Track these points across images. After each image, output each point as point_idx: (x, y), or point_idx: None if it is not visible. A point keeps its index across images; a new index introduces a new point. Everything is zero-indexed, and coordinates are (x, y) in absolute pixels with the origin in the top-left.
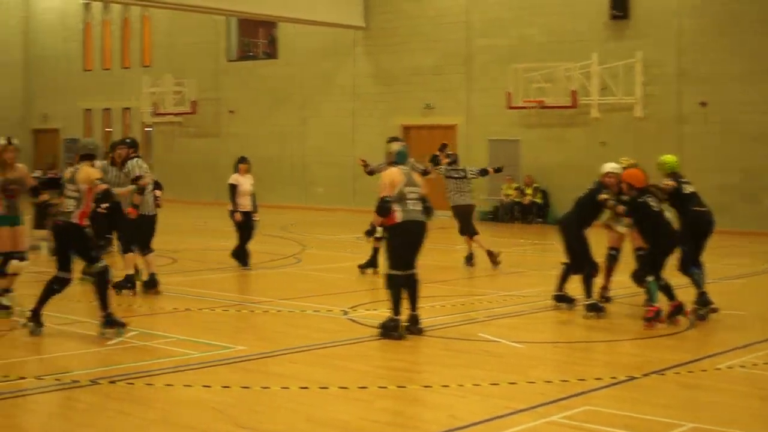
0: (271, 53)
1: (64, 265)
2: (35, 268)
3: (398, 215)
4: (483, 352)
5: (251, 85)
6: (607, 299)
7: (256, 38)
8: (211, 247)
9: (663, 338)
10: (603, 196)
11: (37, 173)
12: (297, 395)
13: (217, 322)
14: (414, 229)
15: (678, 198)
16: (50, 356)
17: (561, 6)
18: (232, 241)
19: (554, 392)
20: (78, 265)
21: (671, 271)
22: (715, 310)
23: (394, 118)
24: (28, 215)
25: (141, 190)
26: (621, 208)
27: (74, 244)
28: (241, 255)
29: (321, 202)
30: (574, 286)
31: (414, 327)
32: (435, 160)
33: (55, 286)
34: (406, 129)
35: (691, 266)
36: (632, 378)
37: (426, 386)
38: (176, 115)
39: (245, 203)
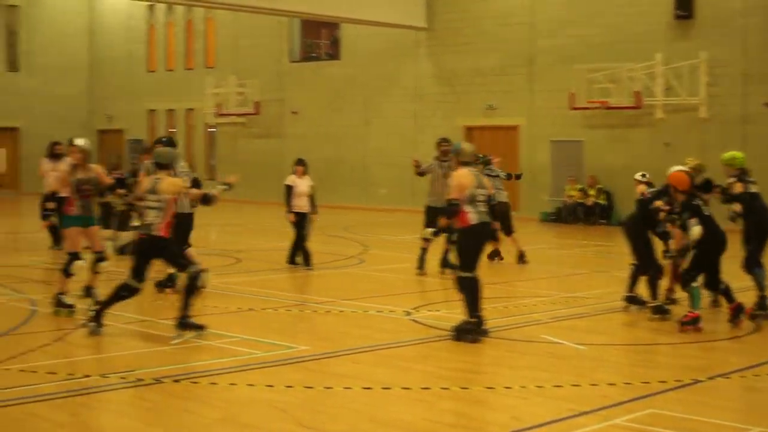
0: (334, 54)
1: (138, 274)
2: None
3: (473, 217)
4: (546, 354)
5: (314, 86)
6: (673, 301)
7: (319, 39)
8: (275, 247)
9: (727, 341)
10: (656, 204)
11: None
12: (360, 396)
13: (280, 322)
14: (485, 231)
15: (744, 198)
16: (115, 355)
17: (625, 6)
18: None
19: (618, 395)
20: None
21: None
22: None
23: (456, 119)
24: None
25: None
26: (670, 222)
27: (162, 256)
28: (297, 255)
29: (382, 203)
30: (642, 287)
31: (478, 329)
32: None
33: (123, 293)
34: (469, 130)
35: (755, 266)
36: (697, 381)
37: (489, 388)
38: (239, 115)
39: (302, 204)
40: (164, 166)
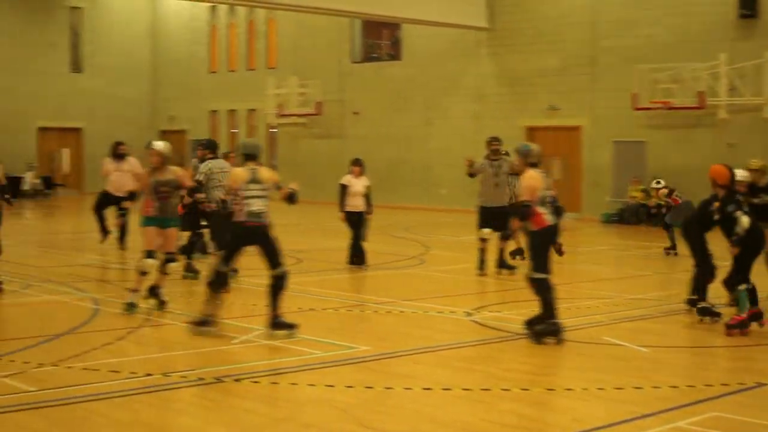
0: (395, 55)
1: (230, 261)
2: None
3: (548, 218)
4: (608, 356)
5: (375, 87)
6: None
7: (380, 40)
8: (335, 247)
9: None
10: (714, 206)
11: None
12: (420, 396)
13: (341, 321)
14: (556, 231)
15: None
16: (176, 354)
17: (688, 5)
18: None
19: (680, 397)
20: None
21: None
22: None
23: (517, 119)
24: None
25: (191, 193)
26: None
27: (265, 245)
28: (356, 254)
29: (444, 204)
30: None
31: (558, 332)
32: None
33: (217, 281)
34: (530, 130)
35: None
36: (761, 384)
37: (549, 389)
38: (301, 116)
39: (357, 204)
40: (253, 156)
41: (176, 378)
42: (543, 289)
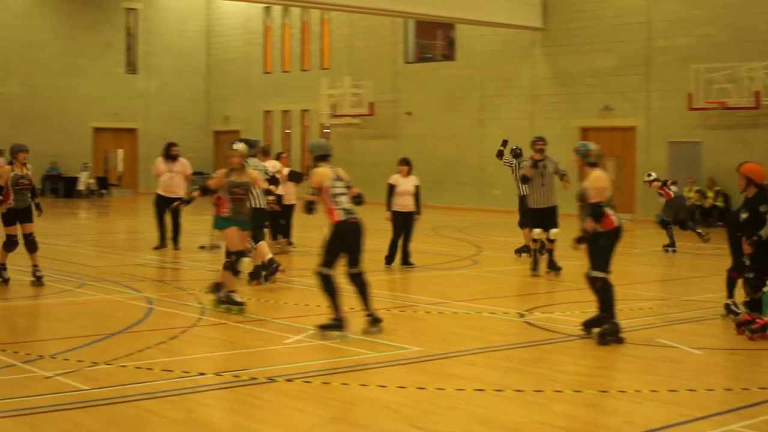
0: (449, 55)
1: (332, 263)
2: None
3: (616, 219)
4: (661, 358)
5: (428, 87)
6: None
7: (434, 40)
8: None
9: None
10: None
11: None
12: (472, 397)
13: (393, 322)
14: (621, 233)
15: None
16: (229, 353)
17: (744, 5)
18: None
19: (735, 400)
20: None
21: None
22: None
23: (572, 119)
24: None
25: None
26: None
27: (359, 241)
28: (403, 254)
29: (497, 204)
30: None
31: (591, 330)
32: (499, 154)
33: (333, 284)
34: (585, 131)
35: None
36: None
37: (602, 391)
38: (354, 116)
39: (405, 203)
40: (327, 156)
41: (229, 377)
42: (605, 288)
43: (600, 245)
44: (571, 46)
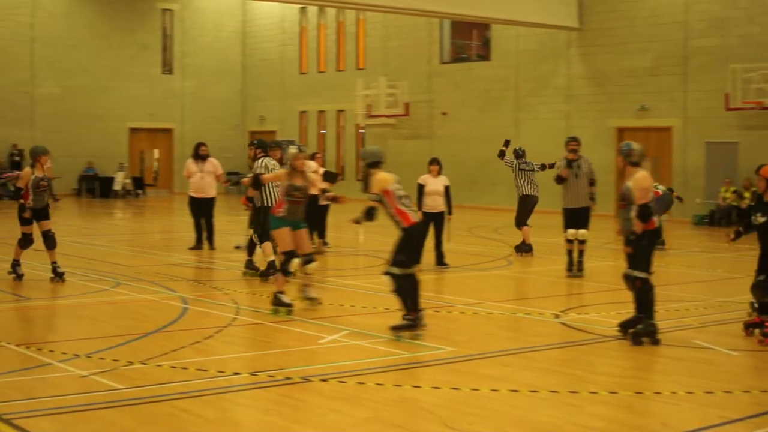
0: (485, 55)
1: (406, 263)
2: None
3: (656, 219)
4: (697, 360)
5: (464, 87)
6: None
7: (470, 40)
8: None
9: None
10: None
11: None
12: (507, 398)
13: (428, 322)
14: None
15: None
16: (263, 353)
17: None
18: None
19: None
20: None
21: None
22: None
23: (608, 120)
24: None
25: (257, 186)
26: None
27: (423, 242)
28: (437, 254)
29: None
30: None
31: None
32: (501, 154)
33: (405, 284)
34: (620, 131)
35: None
36: None
37: (638, 392)
38: (389, 116)
39: (434, 203)
40: (380, 163)
41: (263, 377)
42: (646, 289)
43: (642, 245)
44: (608, 45)
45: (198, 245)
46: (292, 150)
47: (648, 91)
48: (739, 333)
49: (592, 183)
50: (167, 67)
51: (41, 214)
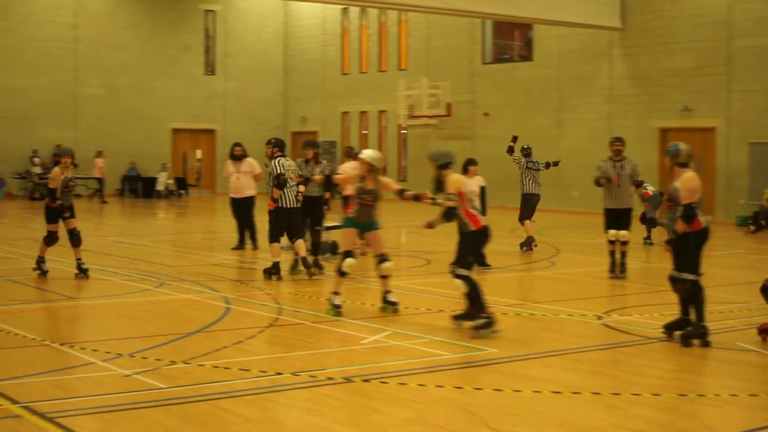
0: (527, 55)
1: (471, 265)
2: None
3: (703, 220)
4: (741, 362)
5: (506, 88)
6: None
7: (512, 40)
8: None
9: None
10: None
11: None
12: (549, 399)
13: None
14: (708, 233)
15: None
16: (306, 353)
17: None
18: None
19: None
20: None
21: None
22: None
23: (650, 120)
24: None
25: (280, 186)
26: None
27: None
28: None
29: (575, 206)
30: None
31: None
32: (510, 150)
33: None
34: (663, 132)
35: None
36: None
37: (681, 394)
38: (431, 117)
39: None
40: (451, 164)
41: (305, 377)
42: (695, 291)
43: (689, 247)
44: (650, 45)
45: (240, 245)
46: (370, 153)
47: (691, 92)
48: None
49: (638, 185)
50: (210, 68)
51: (68, 212)
